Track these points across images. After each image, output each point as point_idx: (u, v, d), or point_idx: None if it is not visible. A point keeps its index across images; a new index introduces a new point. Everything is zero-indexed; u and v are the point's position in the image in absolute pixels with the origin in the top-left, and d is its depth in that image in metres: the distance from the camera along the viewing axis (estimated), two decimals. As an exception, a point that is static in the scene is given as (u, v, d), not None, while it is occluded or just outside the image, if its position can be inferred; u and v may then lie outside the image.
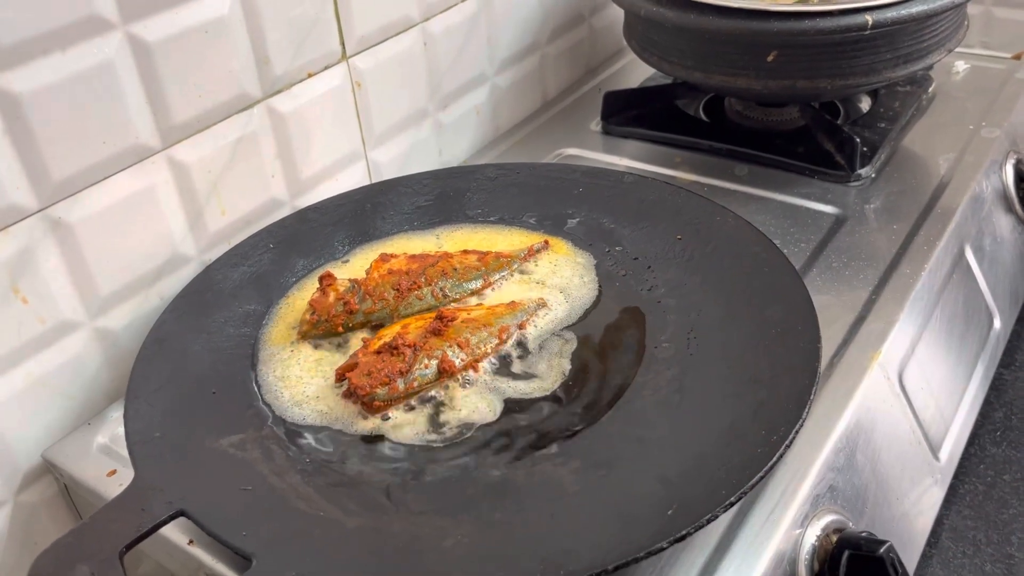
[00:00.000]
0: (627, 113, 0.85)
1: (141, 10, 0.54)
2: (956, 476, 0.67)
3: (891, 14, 0.66)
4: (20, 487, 0.57)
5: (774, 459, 0.43)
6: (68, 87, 0.52)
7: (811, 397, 0.45)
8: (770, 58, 0.70)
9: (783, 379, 0.48)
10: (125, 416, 0.50)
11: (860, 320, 0.59)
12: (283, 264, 0.62)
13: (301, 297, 0.60)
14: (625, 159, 0.80)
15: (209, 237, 0.63)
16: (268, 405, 0.51)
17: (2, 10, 0.48)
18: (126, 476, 0.53)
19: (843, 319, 0.59)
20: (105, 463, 0.55)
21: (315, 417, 0.50)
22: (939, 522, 0.66)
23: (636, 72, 0.95)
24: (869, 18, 0.66)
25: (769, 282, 0.55)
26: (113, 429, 0.57)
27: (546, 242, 0.62)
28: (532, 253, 0.62)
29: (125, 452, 0.53)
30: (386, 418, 0.49)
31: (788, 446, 0.43)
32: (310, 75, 0.66)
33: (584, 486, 0.44)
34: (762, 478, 0.42)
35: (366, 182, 0.75)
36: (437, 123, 0.80)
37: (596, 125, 0.86)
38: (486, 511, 0.44)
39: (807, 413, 0.45)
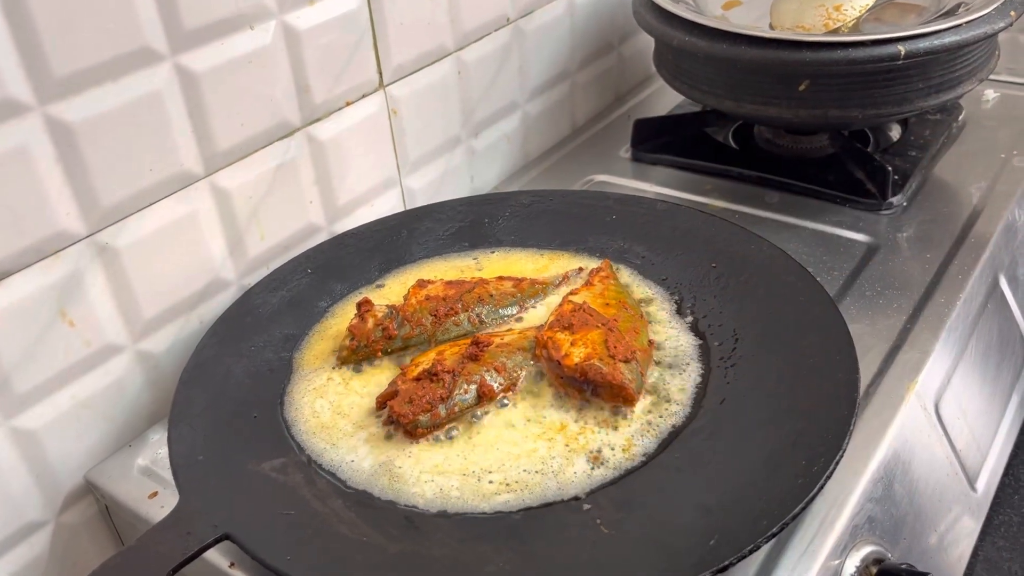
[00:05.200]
0: (657, 140, 0.86)
1: (189, 42, 0.56)
2: (991, 507, 0.66)
3: (924, 44, 0.66)
4: (62, 508, 0.58)
5: (815, 490, 0.43)
6: (119, 116, 0.53)
7: (851, 427, 0.46)
8: (802, 87, 0.70)
9: (822, 409, 0.48)
10: (169, 439, 0.50)
11: (895, 349, 0.59)
12: (321, 289, 0.63)
13: (337, 323, 0.60)
14: (655, 186, 0.81)
15: (248, 262, 0.64)
16: (303, 434, 0.52)
17: (58, 43, 0.49)
18: (167, 498, 0.54)
19: (878, 348, 0.59)
20: (146, 485, 0.56)
21: (359, 446, 0.51)
22: (974, 553, 0.65)
23: (665, 99, 0.96)
24: (902, 48, 0.66)
25: (805, 311, 0.55)
26: (154, 451, 0.58)
27: (580, 268, 0.63)
28: (566, 279, 0.62)
29: (166, 474, 0.54)
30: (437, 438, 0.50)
31: (829, 477, 0.43)
32: (348, 103, 0.68)
33: (625, 515, 0.44)
34: (803, 508, 0.42)
35: (400, 208, 0.76)
36: (469, 150, 0.81)
37: (626, 152, 0.87)
38: (528, 540, 0.44)
39: (847, 443, 0.45)
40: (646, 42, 0.97)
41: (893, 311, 0.62)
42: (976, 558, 0.66)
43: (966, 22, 0.68)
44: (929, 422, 0.57)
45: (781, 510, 0.42)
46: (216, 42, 0.57)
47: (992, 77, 0.93)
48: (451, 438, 0.50)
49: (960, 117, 0.86)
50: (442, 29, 0.73)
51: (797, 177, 0.78)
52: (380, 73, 0.69)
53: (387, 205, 0.74)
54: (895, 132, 0.85)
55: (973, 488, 0.60)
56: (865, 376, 0.57)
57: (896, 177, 0.75)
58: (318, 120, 0.66)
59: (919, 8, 0.80)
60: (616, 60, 0.97)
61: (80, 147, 0.52)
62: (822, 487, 0.43)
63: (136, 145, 0.55)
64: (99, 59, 0.51)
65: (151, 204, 0.57)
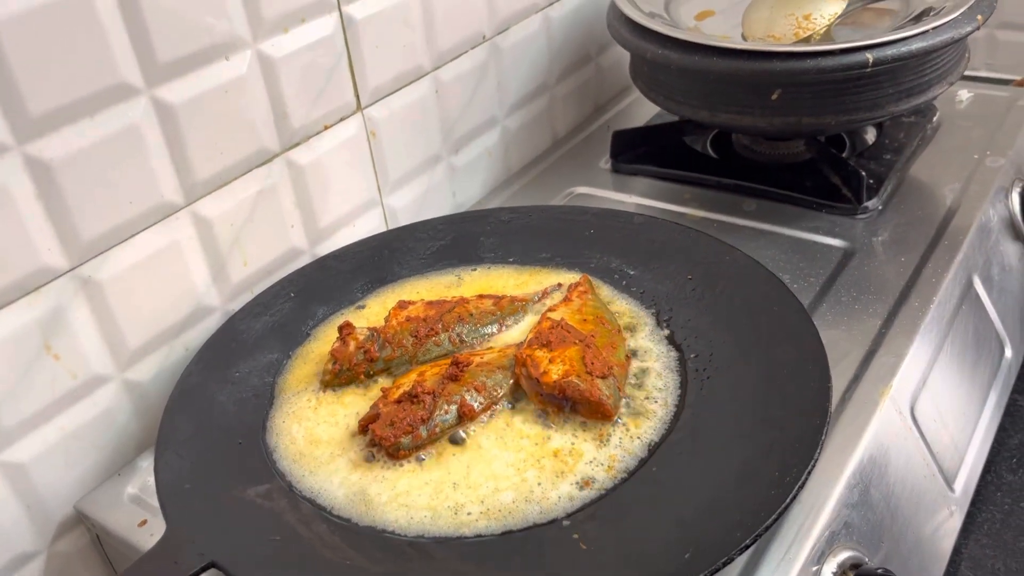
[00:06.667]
0: (635, 151, 0.87)
1: (165, 74, 0.56)
2: (974, 504, 0.67)
3: (891, 52, 0.67)
4: (54, 538, 0.58)
5: (788, 500, 0.43)
6: (97, 151, 0.54)
7: (823, 437, 0.46)
8: (774, 96, 0.71)
9: (795, 419, 0.48)
10: (155, 468, 0.51)
11: (871, 354, 0.60)
12: (304, 312, 0.64)
13: (319, 347, 0.61)
14: (635, 196, 0.82)
15: (232, 288, 0.65)
16: (284, 460, 0.53)
17: (34, 82, 0.50)
18: (156, 526, 0.55)
19: (854, 354, 0.60)
20: (136, 513, 0.56)
21: (340, 472, 0.51)
22: (958, 551, 0.66)
23: (644, 108, 0.97)
24: (870, 56, 0.67)
25: (779, 321, 0.56)
26: (143, 479, 0.59)
27: (559, 284, 0.64)
28: (546, 295, 0.63)
29: (155, 502, 0.55)
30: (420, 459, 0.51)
31: (801, 487, 0.44)
32: (326, 127, 0.69)
33: (604, 531, 0.45)
34: (776, 520, 0.43)
35: (382, 227, 0.76)
36: (450, 167, 0.82)
37: (605, 163, 0.88)
38: (508, 559, 0.45)
39: (819, 453, 0.46)
40: (623, 52, 0.98)
41: (868, 316, 0.63)
42: (960, 556, 0.66)
43: (933, 28, 0.69)
44: (905, 425, 0.58)
45: (754, 522, 0.43)
46: (192, 74, 0.58)
47: (970, 73, 0.94)
48: (430, 459, 0.51)
49: (935, 118, 0.87)
50: (418, 50, 0.74)
51: (774, 184, 0.79)
52: (357, 96, 0.70)
53: (369, 225, 0.75)
54: (871, 135, 0.86)
55: (951, 489, 0.61)
56: (841, 382, 0.58)
57: (871, 181, 0.75)
58: (297, 145, 0.67)
59: (893, 12, 0.81)
60: (594, 71, 0.98)
61: (59, 183, 0.53)
62: (795, 497, 0.44)
63: (115, 179, 0.56)
64: (75, 96, 0.52)
65: (132, 236, 0.58)
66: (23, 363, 0.54)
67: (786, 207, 0.77)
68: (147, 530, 0.55)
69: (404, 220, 0.78)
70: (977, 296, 0.69)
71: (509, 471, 0.49)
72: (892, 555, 0.54)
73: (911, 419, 0.58)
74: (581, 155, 0.91)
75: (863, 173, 0.75)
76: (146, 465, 0.60)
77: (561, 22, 0.90)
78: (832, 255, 0.70)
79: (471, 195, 0.85)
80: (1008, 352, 0.71)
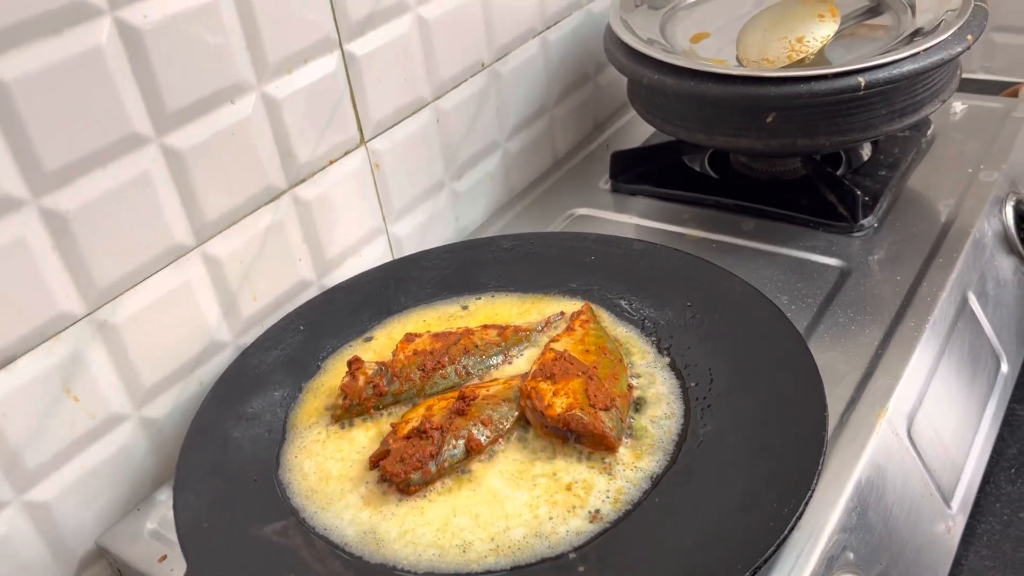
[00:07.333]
0: (634, 171, 0.88)
1: (173, 122, 0.58)
2: (972, 515, 0.68)
3: (883, 75, 0.69)
4: (76, 573, 0.60)
5: (786, 531, 0.45)
6: (109, 200, 0.56)
7: (819, 467, 0.48)
8: (769, 119, 0.73)
9: (792, 448, 0.50)
10: (175, 508, 0.53)
11: (867, 376, 0.61)
12: (314, 345, 0.66)
13: (328, 380, 0.63)
14: (634, 217, 0.83)
15: (242, 323, 0.67)
16: (297, 496, 0.54)
17: (48, 139, 0.52)
18: (176, 560, 0.56)
19: (850, 376, 0.61)
20: (155, 548, 0.58)
21: (350, 509, 0.53)
22: (958, 563, 0.68)
23: (643, 125, 0.98)
24: (862, 80, 0.68)
25: (776, 349, 0.57)
26: (161, 513, 0.61)
27: (562, 312, 0.65)
28: (548, 324, 0.64)
29: (174, 536, 0.57)
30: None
31: (799, 517, 0.46)
32: (331, 162, 0.70)
33: (608, 565, 0.47)
34: (775, 551, 0.44)
35: (388, 255, 0.78)
36: (453, 193, 0.83)
37: (605, 183, 0.89)
38: (516, 591, 0.46)
39: (816, 483, 0.47)
40: (621, 71, 0.99)
41: (864, 337, 0.64)
42: (960, 569, 0.68)
43: (924, 50, 0.70)
44: (901, 446, 0.59)
45: (754, 553, 0.44)
46: (199, 120, 0.60)
47: (965, 75, 0.95)
48: (440, 495, 0.52)
49: (929, 131, 0.88)
50: (419, 81, 0.76)
51: (772, 203, 0.80)
52: (361, 130, 0.72)
53: (375, 254, 0.77)
54: (866, 150, 0.87)
55: (948, 506, 0.62)
56: (838, 405, 0.59)
57: (866, 199, 0.77)
58: (303, 181, 0.68)
59: (886, 27, 0.82)
60: (593, 90, 0.99)
61: (74, 233, 0.54)
62: (792, 528, 0.45)
63: (128, 225, 0.57)
64: (88, 149, 0.54)
65: (145, 279, 0.59)
66: (44, 407, 0.55)
67: (784, 226, 0.78)
68: (167, 565, 0.56)
69: (409, 247, 0.80)
70: (972, 313, 0.70)
71: (523, 509, 0.50)
72: (890, 571, 0.56)
73: (908, 440, 0.60)
74: (581, 175, 0.92)
75: (858, 192, 0.76)
76: (163, 499, 0.62)
77: (558, 43, 0.91)
78: (829, 275, 0.72)
79: (474, 219, 0.87)
80: (1004, 367, 0.73)
